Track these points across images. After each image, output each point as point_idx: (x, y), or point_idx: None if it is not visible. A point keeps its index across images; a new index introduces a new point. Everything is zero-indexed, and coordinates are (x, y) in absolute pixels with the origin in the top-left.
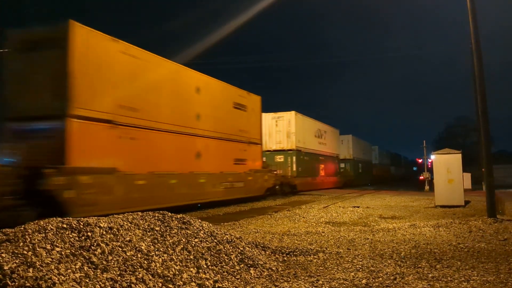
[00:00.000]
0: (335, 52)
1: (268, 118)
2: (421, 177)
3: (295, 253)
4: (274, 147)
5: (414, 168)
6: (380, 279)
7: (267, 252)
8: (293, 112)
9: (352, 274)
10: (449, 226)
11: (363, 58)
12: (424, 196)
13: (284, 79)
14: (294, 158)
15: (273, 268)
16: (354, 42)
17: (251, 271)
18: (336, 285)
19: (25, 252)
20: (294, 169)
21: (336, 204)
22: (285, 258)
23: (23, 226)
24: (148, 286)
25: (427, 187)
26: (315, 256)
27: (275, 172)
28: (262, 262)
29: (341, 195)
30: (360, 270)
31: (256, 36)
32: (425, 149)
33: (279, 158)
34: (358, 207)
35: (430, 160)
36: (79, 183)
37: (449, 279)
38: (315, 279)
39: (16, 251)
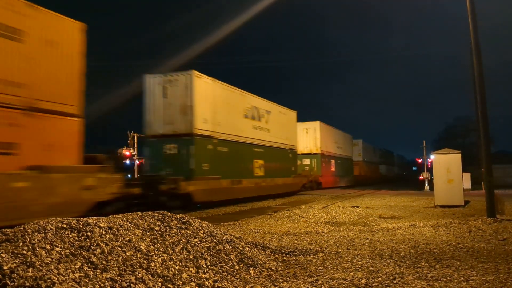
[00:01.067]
0: (333, 52)
1: (153, 84)
2: (421, 177)
3: (294, 253)
4: (162, 131)
5: (414, 168)
6: (380, 279)
7: (266, 252)
8: (193, 73)
9: (352, 274)
10: (449, 226)
11: (361, 58)
12: (424, 196)
13: (282, 79)
14: (193, 148)
15: (273, 268)
16: (353, 41)
17: (250, 271)
18: (336, 285)
19: (24, 252)
20: (193, 166)
21: (336, 204)
22: (285, 258)
23: (22, 226)
24: (148, 286)
25: (426, 187)
26: (314, 256)
27: (120, 175)
28: (261, 262)
29: (341, 195)
30: (360, 270)
31: (253, 36)
32: (425, 149)
33: (170, 149)
34: (358, 207)
35: (430, 160)
36: None
37: (449, 279)
38: (314, 279)
39: (16, 251)
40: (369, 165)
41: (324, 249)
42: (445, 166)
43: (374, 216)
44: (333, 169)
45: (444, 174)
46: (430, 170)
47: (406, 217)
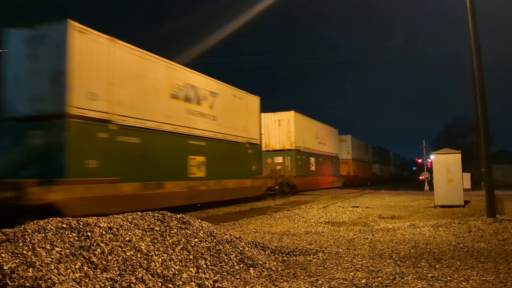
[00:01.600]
0: (333, 52)
1: (16, 41)
2: (421, 177)
3: (294, 253)
4: (26, 112)
5: (414, 168)
6: (380, 279)
7: (266, 252)
8: (68, 24)
9: (352, 274)
10: (449, 226)
11: (361, 58)
12: (424, 196)
13: (282, 79)
14: (67, 136)
15: (273, 268)
16: (352, 41)
17: (250, 271)
18: (336, 284)
19: (24, 252)
20: (67, 163)
21: (336, 204)
22: (285, 258)
23: (22, 226)
24: (148, 286)
25: (426, 187)
26: (314, 256)
27: None
28: (261, 262)
29: (341, 195)
30: (360, 270)
31: (252, 37)
32: (425, 149)
33: (37, 138)
34: (358, 207)
35: (429, 160)
36: None
37: (449, 278)
38: (314, 279)
39: (16, 251)
40: (360, 164)
41: (324, 249)
42: (445, 166)
43: (374, 216)
44: (312, 168)
45: (444, 174)
46: (430, 170)
47: (406, 217)
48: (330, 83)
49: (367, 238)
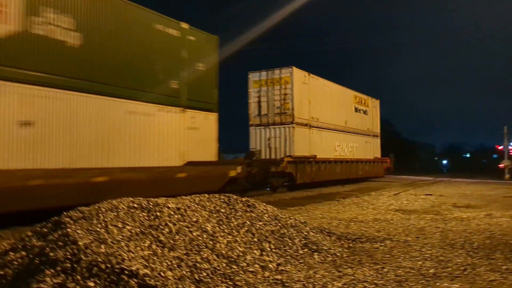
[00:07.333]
0: (394, 34)
1: None
2: (501, 165)
3: (361, 239)
4: None
5: (494, 156)
6: (449, 269)
7: (332, 237)
8: None
9: (420, 263)
10: None
11: (421, 41)
12: (503, 185)
13: (334, 63)
14: None
15: (338, 254)
16: (428, 22)
17: (314, 256)
18: (402, 273)
19: (98, 229)
20: None
21: (407, 192)
22: (351, 245)
23: (97, 205)
24: (213, 266)
25: (507, 176)
26: (381, 244)
27: None
28: (326, 248)
29: (413, 182)
30: (428, 259)
31: (302, 19)
32: (506, 135)
33: None
34: (431, 195)
35: (511, 147)
36: None
37: None
38: (380, 266)
39: (90, 228)
40: None
41: (392, 237)
42: None
43: (448, 205)
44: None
45: None
46: (511, 158)
47: (482, 207)
48: (402, 65)
49: (439, 227)
